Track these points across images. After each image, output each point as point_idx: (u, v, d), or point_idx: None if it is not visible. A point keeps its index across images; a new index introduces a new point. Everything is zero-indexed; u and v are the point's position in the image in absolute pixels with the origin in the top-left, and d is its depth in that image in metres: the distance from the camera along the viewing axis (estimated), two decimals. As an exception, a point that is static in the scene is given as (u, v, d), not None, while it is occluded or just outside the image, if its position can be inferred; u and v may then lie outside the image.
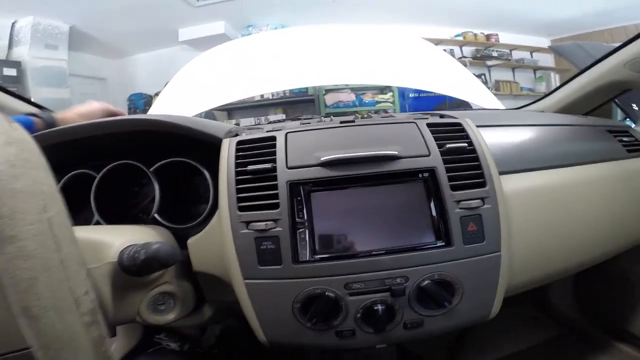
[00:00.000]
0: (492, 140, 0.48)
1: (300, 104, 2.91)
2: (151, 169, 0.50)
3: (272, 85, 1.37)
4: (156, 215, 0.49)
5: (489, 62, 3.87)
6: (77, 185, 0.52)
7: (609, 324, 0.85)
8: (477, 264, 0.40)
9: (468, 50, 3.91)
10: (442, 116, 0.53)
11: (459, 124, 0.46)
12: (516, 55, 3.98)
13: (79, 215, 0.55)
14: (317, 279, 0.37)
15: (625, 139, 0.65)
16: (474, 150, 0.43)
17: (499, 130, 0.54)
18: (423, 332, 0.41)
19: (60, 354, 0.19)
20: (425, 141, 0.43)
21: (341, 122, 0.48)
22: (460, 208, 0.39)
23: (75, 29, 2.96)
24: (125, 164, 0.50)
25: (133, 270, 0.32)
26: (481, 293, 0.41)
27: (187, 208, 0.57)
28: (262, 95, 2.77)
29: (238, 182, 0.41)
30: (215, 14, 3.02)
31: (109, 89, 3.63)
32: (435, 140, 0.43)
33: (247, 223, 0.38)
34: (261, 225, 0.38)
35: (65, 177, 0.52)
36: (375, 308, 0.37)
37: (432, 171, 0.41)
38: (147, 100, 3.55)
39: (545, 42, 3.85)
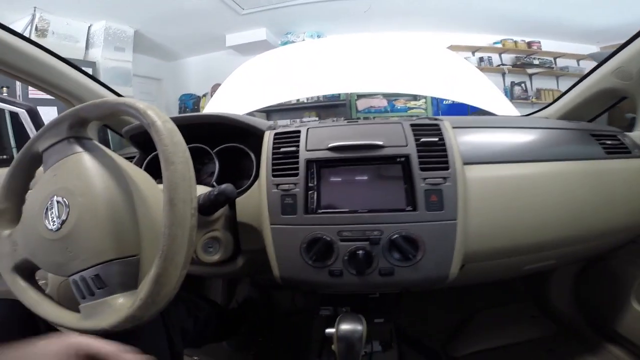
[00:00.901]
0: (466, 138, 0.63)
1: (332, 108, 3.11)
2: (214, 150, 0.70)
3: (308, 90, 1.56)
4: (214, 183, 0.69)
5: (530, 70, 3.76)
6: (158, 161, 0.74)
7: (602, 324, 0.88)
8: (437, 227, 0.54)
9: (507, 58, 3.83)
10: (431, 119, 0.68)
11: (437, 125, 0.62)
12: (561, 63, 3.80)
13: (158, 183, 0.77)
14: (319, 226, 0.55)
15: (608, 142, 0.70)
16: (443, 144, 0.58)
17: (475, 131, 0.67)
18: (394, 281, 0.55)
19: (176, 229, 0.37)
20: (405, 136, 0.59)
21: (347, 122, 0.66)
22: (426, 183, 0.55)
23: (138, 33, 3.31)
24: (195, 146, 0.71)
25: (206, 206, 0.51)
26: (440, 252, 0.55)
27: (234, 181, 0.77)
28: (297, 100, 3.00)
29: (274, 158, 0.60)
30: (258, 21, 3.28)
31: (163, 89, 4.00)
32: (414, 136, 0.59)
33: (277, 185, 0.58)
34: (285, 186, 0.57)
35: (152, 154, 0.74)
36: (358, 252, 0.53)
37: (407, 157, 0.57)
38: (195, 101, 3.88)
39: (594, 50, 3.65)
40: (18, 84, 2.41)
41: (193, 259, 0.55)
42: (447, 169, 0.56)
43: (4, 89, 2.32)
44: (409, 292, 0.75)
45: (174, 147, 0.39)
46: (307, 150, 0.60)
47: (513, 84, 3.75)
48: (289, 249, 0.56)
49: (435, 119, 0.65)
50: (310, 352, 0.72)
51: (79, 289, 0.41)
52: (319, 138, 0.61)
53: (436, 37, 3.29)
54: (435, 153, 0.57)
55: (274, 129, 0.67)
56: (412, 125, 0.62)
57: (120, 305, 0.39)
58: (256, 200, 0.60)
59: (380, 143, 0.58)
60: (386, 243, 0.54)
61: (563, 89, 3.82)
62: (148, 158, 0.73)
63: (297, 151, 0.60)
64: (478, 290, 1.11)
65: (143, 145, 0.77)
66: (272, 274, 0.58)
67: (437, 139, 0.58)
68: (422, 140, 0.58)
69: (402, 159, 0.57)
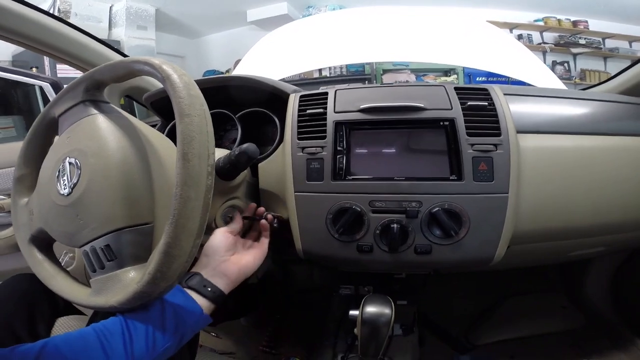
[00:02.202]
0: (518, 107, 0.55)
1: (356, 82, 2.98)
2: (237, 115, 0.66)
3: (335, 59, 1.48)
4: (237, 149, 0.64)
5: (575, 50, 3.48)
6: None
7: (637, 320, 0.82)
8: (485, 201, 0.47)
9: (549, 37, 3.55)
10: (479, 85, 0.59)
11: (485, 89, 0.54)
12: (610, 44, 3.50)
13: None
14: (348, 194, 0.49)
15: None
16: (493, 109, 0.50)
17: (528, 99, 0.59)
18: (431, 260, 0.49)
19: (189, 190, 0.33)
20: (449, 99, 0.52)
21: (382, 84, 0.58)
22: (474, 150, 0.47)
23: (160, 11, 3.31)
24: (217, 112, 0.66)
25: (226, 169, 0.47)
26: (487, 230, 0.48)
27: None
28: (320, 72, 2.90)
29: (299, 121, 0.55)
30: (279, -5, 3.18)
31: (186, 66, 3.99)
32: (460, 99, 0.52)
33: (303, 148, 0.52)
34: (312, 149, 0.51)
35: (173, 122, 0.70)
36: (392, 226, 0.47)
37: (452, 121, 0.49)
38: (218, 77, 3.92)
39: None
40: (46, 63, 2.48)
41: (211, 229, 0.50)
42: (498, 135, 0.48)
43: (34, 69, 2.40)
44: (438, 274, 0.70)
45: (190, 99, 0.34)
46: (336, 112, 0.53)
47: (555, 63, 3.50)
48: (313, 220, 0.51)
49: (483, 85, 0.57)
50: (327, 332, 0.68)
51: (89, 261, 0.38)
52: (348, 100, 0.55)
53: (472, 13, 3.07)
54: (484, 118, 0.50)
55: (300, 92, 0.61)
56: (456, 88, 0.54)
57: (130, 280, 0.36)
58: (280, 166, 0.55)
59: (421, 105, 0.51)
60: (425, 216, 0.47)
61: (611, 70, 3.55)
62: (170, 125, 0.70)
63: (325, 113, 0.54)
64: (508, 275, 1.05)
65: (164, 112, 0.74)
66: (294, 247, 0.54)
67: (486, 103, 0.51)
68: (469, 104, 0.50)
69: (446, 123, 0.50)
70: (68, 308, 0.53)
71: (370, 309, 0.49)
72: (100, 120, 0.41)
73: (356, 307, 0.51)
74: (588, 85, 0.89)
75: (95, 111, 0.42)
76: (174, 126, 0.69)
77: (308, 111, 0.55)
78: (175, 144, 0.45)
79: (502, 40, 1.33)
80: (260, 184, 0.57)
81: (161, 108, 0.72)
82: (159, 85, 0.92)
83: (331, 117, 0.53)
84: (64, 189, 0.39)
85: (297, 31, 1.39)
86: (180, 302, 0.38)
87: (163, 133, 0.68)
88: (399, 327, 0.65)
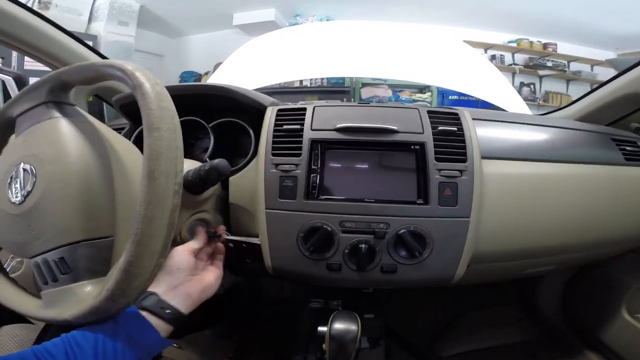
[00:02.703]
0: (485, 132, 0.58)
1: (336, 94, 3.01)
2: (210, 125, 0.65)
3: (314, 71, 1.49)
4: (207, 160, 0.63)
5: (542, 72, 3.69)
6: None
7: (586, 331, 0.87)
8: (448, 224, 0.50)
9: (520, 58, 3.75)
10: (448, 108, 0.62)
11: (456, 113, 0.56)
12: (574, 67, 3.74)
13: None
14: (320, 214, 0.50)
15: (628, 148, 0.68)
16: (462, 134, 0.53)
17: (495, 125, 0.62)
18: (396, 279, 0.51)
19: (154, 209, 0.31)
20: (422, 122, 0.54)
21: (359, 103, 0.60)
22: (441, 175, 0.50)
23: (144, 7, 3.23)
24: (189, 119, 0.65)
25: (195, 183, 0.46)
26: (449, 252, 0.51)
27: (229, 160, 0.71)
28: (300, 82, 2.92)
29: (275, 136, 0.54)
30: (267, 1, 3.18)
31: (164, 65, 3.91)
32: (431, 123, 0.54)
33: (277, 165, 0.52)
34: (286, 167, 0.51)
35: (141, 126, 0.68)
36: (360, 246, 0.49)
37: (422, 145, 0.51)
38: (197, 79, 3.79)
39: (611, 56, 3.54)
40: (14, 55, 2.34)
41: (176, 242, 0.49)
42: (464, 161, 0.51)
43: None
44: (403, 289, 0.72)
45: (160, 111, 0.33)
46: (313, 130, 0.54)
47: (522, 84, 3.69)
48: (284, 238, 0.51)
49: (454, 108, 0.60)
50: (296, 345, 0.68)
51: (41, 273, 0.36)
52: (326, 117, 0.55)
53: (449, 32, 3.20)
54: (452, 143, 0.52)
55: (276, 105, 0.61)
56: (429, 112, 0.56)
57: (86, 295, 0.34)
58: (252, 181, 0.54)
59: (394, 128, 0.52)
60: (392, 238, 0.49)
61: (572, 93, 3.79)
62: (138, 130, 0.67)
63: (302, 129, 0.54)
64: (467, 290, 1.09)
65: (134, 116, 0.71)
66: (264, 263, 0.53)
67: (455, 129, 0.53)
68: (439, 128, 0.53)
69: (417, 147, 0.52)
70: (15, 316, 0.50)
71: (338, 325, 0.50)
72: (62, 125, 0.39)
73: (325, 322, 0.52)
74: (550, 109, 0.95)
75: (57, 114, 0.40)
76: (142, 132, 0.67)
77: (285, 127, 0.55)
78: (142, 152, 0.44)
79: (475, 61, 1.40)
80: (230, 198, 0.56)
81: (131, 112, 0.69)
82: None
83: (307, 134, 0.53)
84: (16, 197, 0.36)
85: (280, 40, 1.39)
86: (135, 323, 0.35)
87: (130, 138, 0.66)
88: (366, 340, 0.66)
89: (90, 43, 0.85)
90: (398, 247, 0.49)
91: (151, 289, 0.39)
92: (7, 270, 0.44)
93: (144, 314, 0.37)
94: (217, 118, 0.66)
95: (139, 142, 0.48)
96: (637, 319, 0.74)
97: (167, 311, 0.38)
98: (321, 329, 0.51)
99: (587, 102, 0.89)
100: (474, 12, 3.20)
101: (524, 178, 0.56)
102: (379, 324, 0.68)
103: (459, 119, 0.55)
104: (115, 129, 0.43)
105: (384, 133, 0.52)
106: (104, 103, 0.95)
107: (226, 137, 0.67)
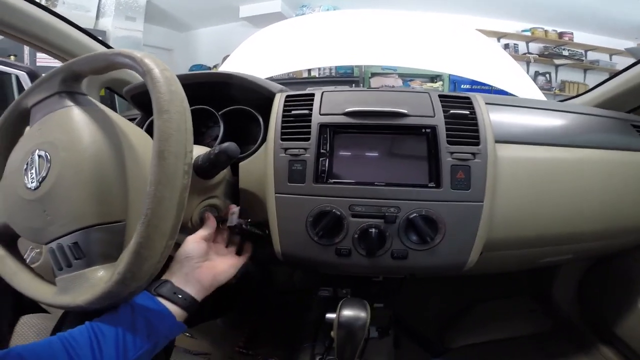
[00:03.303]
0: (498, 116, 0.56)
1: (344, 84, 2.99)
2: (220, 112, 0.65)
3: (324, 60, 1.48)
4: (217, 148, 0.63)
5: (557, 61, 3.59)
6: None
7: (601, 324, 0.85)
8: (461, 208, 0.49)
9: (535, 47, 3.64)
10: (459, 93, 0.61)
11: (468, 98, 0.55)
12: (592, 56, 3.64)
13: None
14: (329, 198, 0.49)
15: None
16: (474, 118, 0.51)
17: (509, 109, 0.60)
18: (407, 265, 0.50)
19: (164, 189, 0.32)
20: (433, 106, 0.52)
21: (368, 88, 0.59)
22: (453, 158, 0.48)
23: (151, 2, 3.25)
24: (199, 108, 0.65)
25: (205, 167, 0.46)
26: (461, 237, 0.49)
27: (239, 147, 0.71)
28: (309, 72, 2.90)
29: (284, 121, 0.54)
30: (273, -8, 3.16)
31: (173, 59, 3.93)
32: (443, 107, 0.52)
33: (285, 149, 0.52)
34: (295, 151, 0.51)
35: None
36: (370, 231, 0.48)
37: (433, 128, 0.50)
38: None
39: (630, 45, 3.40)
40: (26, 52, 2.40)
41: (187, 228, 0.49)
42: (477, 144, 0.50)
43: (12, 57, 2.30)
44: (413, 278, 0.71)
45: (170, 94, 0.34)
46: (321, 114, 0.53)
47: (537, 73, 3.61)
48: (293, 222, 0.50)
49: (466, 94, 0.59)
50: (305, 334, 0.68)
51: (55, 259, 0.37)
52: (334, 102, 0.54)
53: (460, 20, 3.12)
54: (465, 127, 0.51)
55: (286, 92, 0.60)
56: (440, 96, 0.55)
57: (98, 279, 0.35)
58: (261, 166, 0.54)
59: (405, 111, 0.51)
60: (403, 222, 0.48)
61: (590, 82, 3.67)
62: (149, 120, 0.68)
63: (310, 114, 0.53)
64: (479, 280, 1.07)
65: (145, 107, 0.71)
66: (273, 249, 0.53)
67: (467, 112, 0.52)
68: (451, 112, 0.51)
69: (428, 130, 0.50)
70: (33, 306, 0.51)
71: (347, 312, 0.49)
72: (75, 113, 0.40)
73: (334, 310, 0.51)
74: (566, 97, 0.92)
75: (70, 103, 0.41)
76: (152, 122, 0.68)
77: (293, 112, 0.55)
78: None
79: (488, 49, 1.36)
80: (240, 183, 0.56)
81: (142, 102, 0.70)
82: (141, 78, 0.90)
83: (316, 119, 0.53)
84: (32, 182, 0.37)
85: (288, 30, 1.38)
86: (152, 309, 0.36)
87: (142, 127, 0.67)
88: (374, 330, 0.66)
89: (99, 38, 0.86)
90: (409, 231, 0.48)
91: (166, 276, 0.41)
92: (27, 261, 0.45)
93: (159, 299, 0.38)
94: (226, 106, 0.66)
95: (150, 131, 0.48)
96: None
97: (180, 296, 0.39)
98: (329, 315, 0.51)
99: (606, 88, 0.85)
100: (486, 1, 3.11)
101: (539, 163, 0.54)
102: (388, 313, 0.67)
103: (471, 103, 0.54)
104: (127, 119, 0.44)
105: (394, 117, 0.51)
106: (116, 96, 0.97)
107: (236, 124, 0.67)
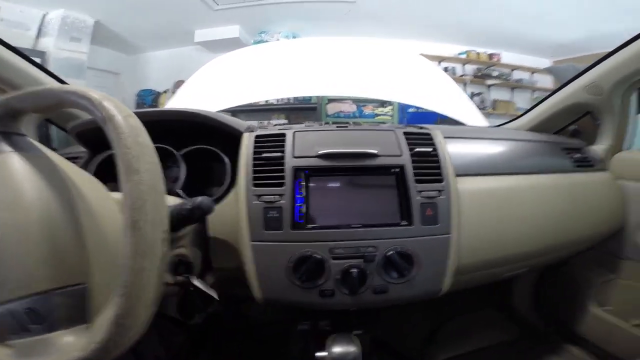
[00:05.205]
0: (455, 149, 0.61)
1: (302, 111, 3.04)
2: (181, 153, 0.62)
3: (280, 92, 1.49)
4: (179, 191, 0.60)
5: (489, 82, 3.95)
6: (112, 162, 0.64)
7: (561, 326, 0.93)
8: (432, 242, 0.52)
9: (470, 69, 3.99)
10: (420, 127, 0.65)
11: (429, 134, 0.59)
12: (517, 75, 4.04)
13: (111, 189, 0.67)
14: (308, 243, 0.49)
15: (576, 155, 0.75)
16: (436, 155, 0.56)
17: (463, 142, 0.66)
18: (388, 298, 0.52)
19: (143, 261, 0.29)
20: (399, 145, 0.56)
21: (337, 127, 0.61)
22: (421, 197, 0.52)
23: (99, 23, 3.07)
24: (158, 147, 0.61)
25: (175, 222, 0.43)
26: (435, 267, 0.53)
27: (201, 189, 0.68)
28: (266, 100, 2.90)
29: (255, 165, 0.53)
30: (231, 18, 3.15)
31: (120, 83, 3.72)
32: (408, 145, 0.56)
33: (259, 196, 0.51)
34: (269, 198, 0.50)
35: (103, 155, 0.63)
36: (351, 271, 0.49)
37: (401, 167, 0.53)
38: (154, 97, 3.65)
39: (547, 64, 3.89)
40: None
41: None
42: (441, 181, 0.54)
43: None
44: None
45: (138, 148, 0.30)
46: (294, 157, 0.53)
47: (473, 94, 3.95)
48: (273, 268, 0.50)
49: (425, 128, 0.63)
50: None
51: (7, 322, 0.32)
52: (307, 143, 0.55)
53: (408, 45, 3.38)
54: (429, 164, 0.55)
55: (252, 130, 0.60)
56: (405, 133, 0.58)
57: (68, 345, 0.31)
58: (232, 213, 0.52)
59: (375, 152, 0.54)
60: (381, 260, 0.50)
61: (517, 100, 4.08)
62: (98, 160, 0.63)
63: (283, 157, 0.53)
64: (449, 296, 1.13)
65: (92, 144, 0.66)
66: (249, 292, 0.52)
67: (430, 149, 0.56)
68: (416, 150, 0.55)
69: (397, 170, 0.53)
70: None
71: (337, 349, 0.50)
72: (15, 161, 0.34)
73: (316, 344, 0.52)
74: (498, 116, 1.02)
75: (8, 148, 0.34)
76: (103, 161, 0.62)
77: (264, 154, 0.54)
78: (104, 182, 0.40)
79: (434, 76, 1.48)
80: (209, 231, 0.54)
81: (89, 140, 0.64)
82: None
83: (290, 162, 0.53)
84: None
85: (245, 59, 1.38)
86: None
87: (86, 168, 0.61)
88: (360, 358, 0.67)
89: (38, 60, 0.77)
90: (387, 268, 0.50)
91: None
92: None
93: None
94: (184, 143, 0.63)
95: (98, 174, 0.44)
96: (607, 311, 0.80)
97: None
98: (320, 354, 0.51)
99: (536, 112, 0.95)
100: (430, 26, 3.35)
101: (493, 192, 0.60)
102: (368, 338, 0.68)
103: (432, 139, 0.58)
104: (69, 159, 0.39)
105: (366, 157, 0.54)
106: (52, 125, 0.86)
107: (197, 164, 0.65)
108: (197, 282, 0.50)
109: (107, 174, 0.37)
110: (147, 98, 3.68)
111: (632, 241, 0.75)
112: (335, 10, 3.02)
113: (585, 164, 0.75)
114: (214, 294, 0.51)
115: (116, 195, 0.40)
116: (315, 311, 0.66)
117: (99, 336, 0.29)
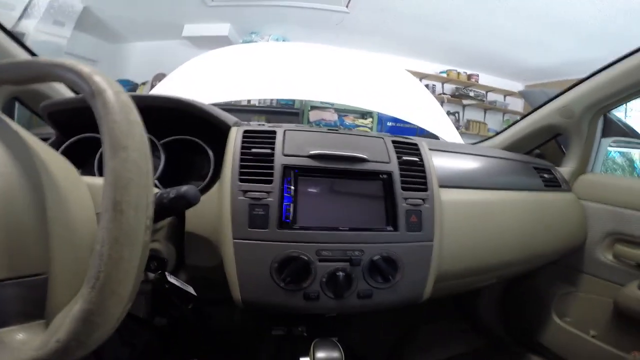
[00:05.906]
0: (439, 161, 0.63)
1: (284, 115, 3.02)
2: (161, 142, 0.59)
3: (264, 92, 1.48)
4: (156, 182, 0.58)
5: (465, 102, 4.08)
6: (85, 147, 0.59)
7: (525, 336, 0.97)
8: (415, 248, 0.53)
9: (449, 88, 4.11)
10: (406, 138, 0.67)
11: (416, 144, 0.61)
12: (491, 97, 4.20)
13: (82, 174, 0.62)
14: (295, 243, 0.48)
15: (546, 175, 0.81)
16: (422, 165, 0.57)
17: (447, 155, 0.69)
18: (372, 303, 0.52)
19: (122, 249, 0.26)
20: (388, 152, 0.57)
21: (328, 130, 0.61)
22: (407, 204, 0.53)
23: (87, 9, 2.95)
24: None
25: (155, 211, 0.40)
26: (417, 273, 0.54)
27: (179, 182, 0.66)
28: (248, 101, 2.87)
29: (242, 160, 0.52)
30: (223, 15, 3.10)
31: (96, 71, 3.59)
32: (396, 153, 0.57)
33: (245, 192, 0.49)
34: (256, 194, 0.49)
35: (76, 137, 0.59)
36: (337, 274, 0.48)
37: (389, 174, 0.54)
38: (131, 88, 3.49)
39: (520, 87, 4.07)
40: None
41: None
42: (426, 190, 0.55)
43: None
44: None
45: (127, 125, 0.27)
46: (285, 155, 0.53)
47: (449, 113, 4.10)
48: (256, 268, 0.48)
49: (412, 138, 0.65)
50: None
51: None
52: (297, 143, 0.55)
53: (394, 60, 3.48)
54: (415, 173, 0.56)
55: (240, 125, 0.59)
56: (393, 141, 0.60)
57: (19, 343, 0.28)
58: (215, 209, 0.51)
59: (365, 156, 0.54)
60: (367, 264, 0.50)
61: (488, 121, 4.24)
62: (67, 143, 0.59)
63: (272, 154, 0.52)
64: (412, 307, 1.16)
65: (64, 127, 0.62)
66: (222, 294, 0.50)
67: (417, 159, 0.57)
68: (404, 158, 0.56)
69: (385, 176, 0.54)
70: None
71: (321, 354, 0.50)
72: None
73: (289, 350, 0.52)
74: (470, 136, 1.08)
75: None
76: (72, 144, 0.58)
77: (253, 150, 0.53)
78: (76, 166, 0.37)
79: (416, 90, 1.52)
80: (187, 226, 0.52)
81: (60, 121, 0.60)
82: (63, 91, 0.77)
83: (279, 159, 0.52)
84: None
85: (232, 57, 1.37)
86: None
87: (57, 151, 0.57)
88: None
89: None
90: (373, 272, 0.50)
91: None
92: None
93: None
94: (164, 133, 0.60)
95: (68, 157, 0.40)
96: (566, 322, 0.85)
97: None
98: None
99: (511, 132, 1.02)
100: (413, 43, 3.45)
101: (472, 204, 0.63)
102: (343, 346, 0.68)
103: (418, 149, 0.60)
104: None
105: (355, 161, 0.54)
106: (16, 105, 0.78)
107: (178, 155, 0.62)
108: (172, 279, 0.48)
109: (77, 160, 0.33)
110: (124, 89, 3.52)
111: (591, 257, 0.81)
112: (327, 19, 3.06)
113: (553, 184, 0.81)
114: (192, 291, 0.49)
115: (89, 179, 0.37)
116: (291, 316, 0.64)
117: (60, 334, 0.26)
